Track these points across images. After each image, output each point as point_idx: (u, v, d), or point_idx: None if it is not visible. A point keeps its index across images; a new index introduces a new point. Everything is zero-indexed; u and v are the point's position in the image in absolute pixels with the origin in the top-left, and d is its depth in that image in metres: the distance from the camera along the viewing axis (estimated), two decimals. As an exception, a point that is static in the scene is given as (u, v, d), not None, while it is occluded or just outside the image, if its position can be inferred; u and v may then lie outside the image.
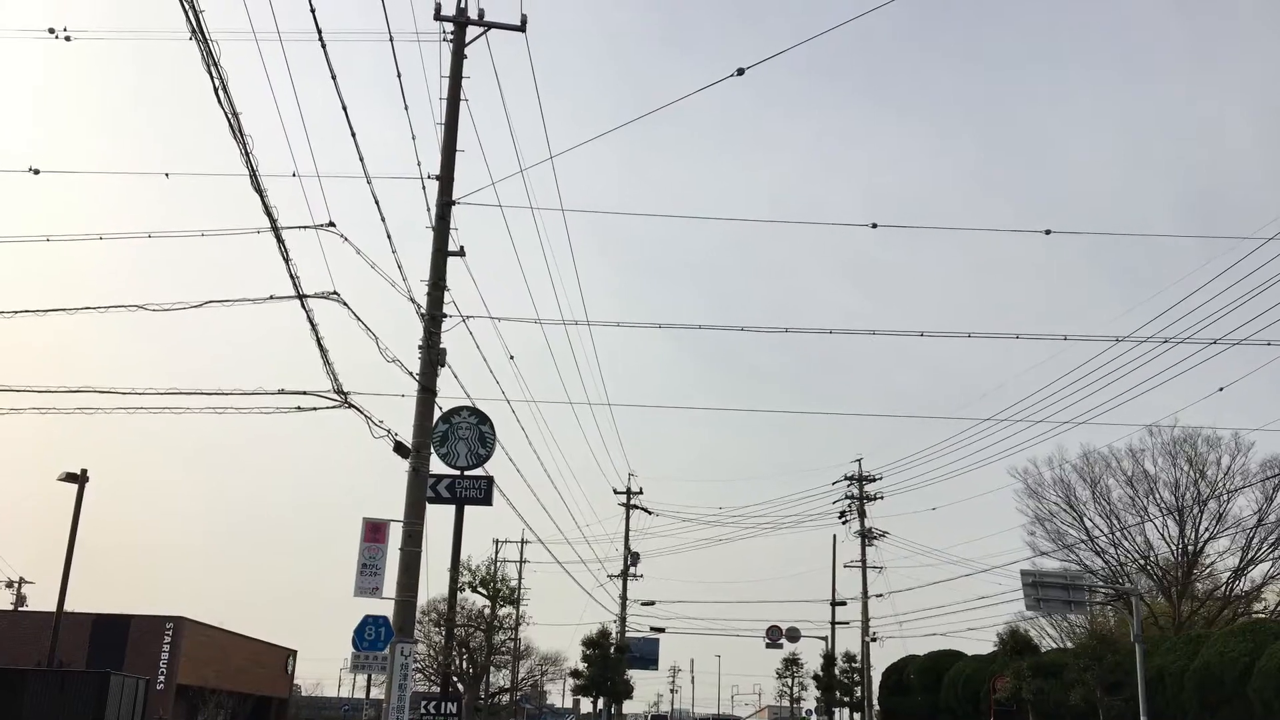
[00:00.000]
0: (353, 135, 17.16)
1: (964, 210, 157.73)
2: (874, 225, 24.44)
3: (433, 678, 57.41)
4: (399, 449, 20.89)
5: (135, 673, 45.78)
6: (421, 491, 21.28)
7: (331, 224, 17.97)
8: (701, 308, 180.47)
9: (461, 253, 22.35)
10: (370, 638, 22.27)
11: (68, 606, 42.30)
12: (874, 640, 62.82)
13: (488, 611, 43.60)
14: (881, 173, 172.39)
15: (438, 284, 21.78)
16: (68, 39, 19.90)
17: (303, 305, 17.38)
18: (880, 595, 62.73)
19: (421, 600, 23.85)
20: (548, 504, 53.15)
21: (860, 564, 63.12)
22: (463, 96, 22.92)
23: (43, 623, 48.92)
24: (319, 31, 14.39)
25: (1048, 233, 25.95)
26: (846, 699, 68.83)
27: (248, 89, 13.96)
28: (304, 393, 19.52)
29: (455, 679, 45.68)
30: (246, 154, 13.93)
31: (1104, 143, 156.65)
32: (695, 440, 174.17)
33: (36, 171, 21.54)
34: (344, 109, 16.55)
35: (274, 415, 20.32)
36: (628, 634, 68.37)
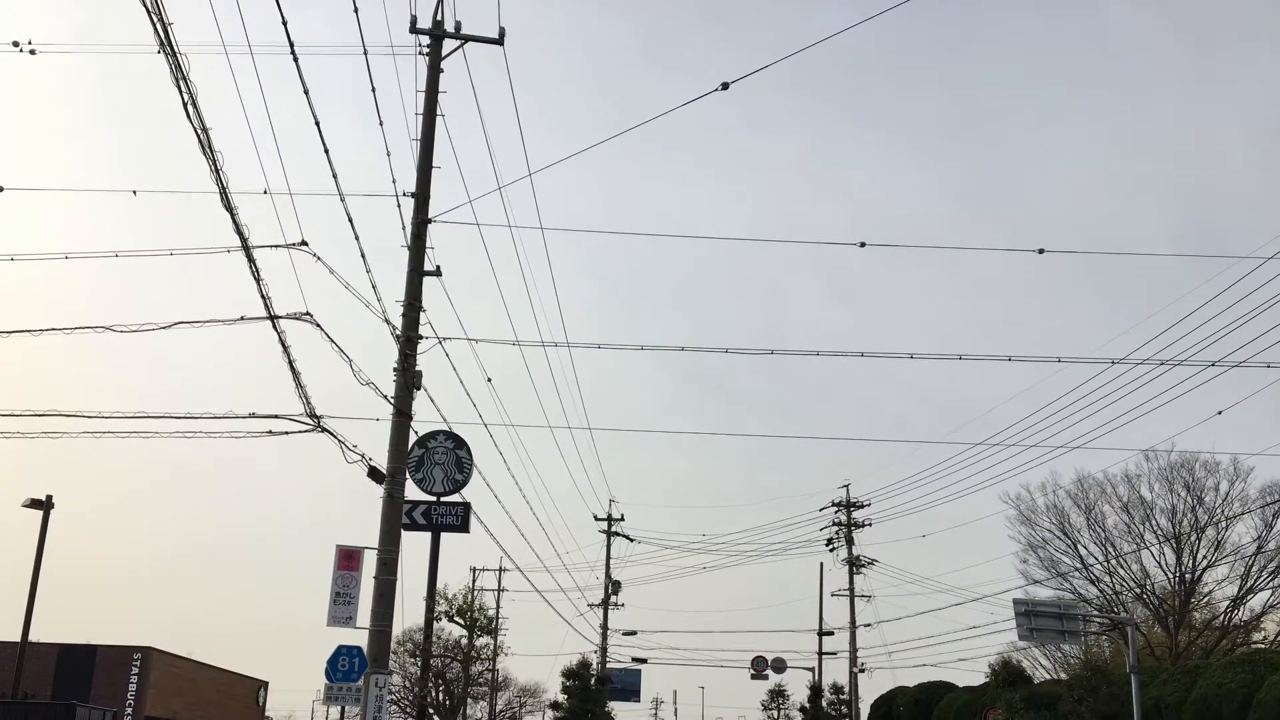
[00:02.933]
0: (325, 152, 17.16)
1: (954, 230, 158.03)
2: (862, 244, 24.51)
3: (408, 710, 57.23)
4: (373, 474, 20.84)
5: (102, 704, 45.53)
6: (396, 518, 21.23)
7: (304, 243, 17.96)
8: (684, 328, 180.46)
9: (438, 272, 22.33)
10: (344, 669, 22.16)
11: (32, 636, 42.05)
12: (862, 671, 62.78)
13: (464, 642, 43.46)
14: (869, 190, 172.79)
15: (413, 305, 21.76)
16: (33, 52, 19.88)
17: (274, 327, 17.36)
18: (869, 625, 62.74)
19: (396, 630, 23.77)
20: (526, 531, 53.25)
21: (848, 593, 63.12)
22: (439, 112, 22.92)
23: (6, 653, 48.59)
24: (291, 45, 14.40)
25: (1040, 252, 26.09)
26: (834, 732, 68.77)
27: (218, 104, 13.94)
28: (276, 416, 19.50)
29: (431, 711, 45.52)
30: (216, 170, 13.91)
31: (1097, 161, 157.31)
32: (678, 465, 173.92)
33: (0, 189, 21.49)
34: (317, 124, 16.55)
35: (245, 439, 20.27)
36: (609, 665, 68.24)
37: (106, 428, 20.11)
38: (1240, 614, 51.84)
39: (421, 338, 21.78)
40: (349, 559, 21.75)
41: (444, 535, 30.63)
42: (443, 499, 30.99)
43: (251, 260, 15.90)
